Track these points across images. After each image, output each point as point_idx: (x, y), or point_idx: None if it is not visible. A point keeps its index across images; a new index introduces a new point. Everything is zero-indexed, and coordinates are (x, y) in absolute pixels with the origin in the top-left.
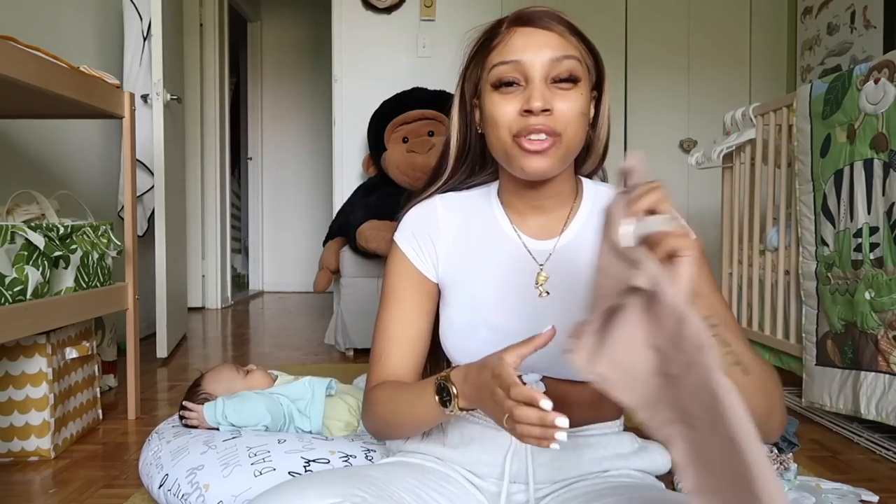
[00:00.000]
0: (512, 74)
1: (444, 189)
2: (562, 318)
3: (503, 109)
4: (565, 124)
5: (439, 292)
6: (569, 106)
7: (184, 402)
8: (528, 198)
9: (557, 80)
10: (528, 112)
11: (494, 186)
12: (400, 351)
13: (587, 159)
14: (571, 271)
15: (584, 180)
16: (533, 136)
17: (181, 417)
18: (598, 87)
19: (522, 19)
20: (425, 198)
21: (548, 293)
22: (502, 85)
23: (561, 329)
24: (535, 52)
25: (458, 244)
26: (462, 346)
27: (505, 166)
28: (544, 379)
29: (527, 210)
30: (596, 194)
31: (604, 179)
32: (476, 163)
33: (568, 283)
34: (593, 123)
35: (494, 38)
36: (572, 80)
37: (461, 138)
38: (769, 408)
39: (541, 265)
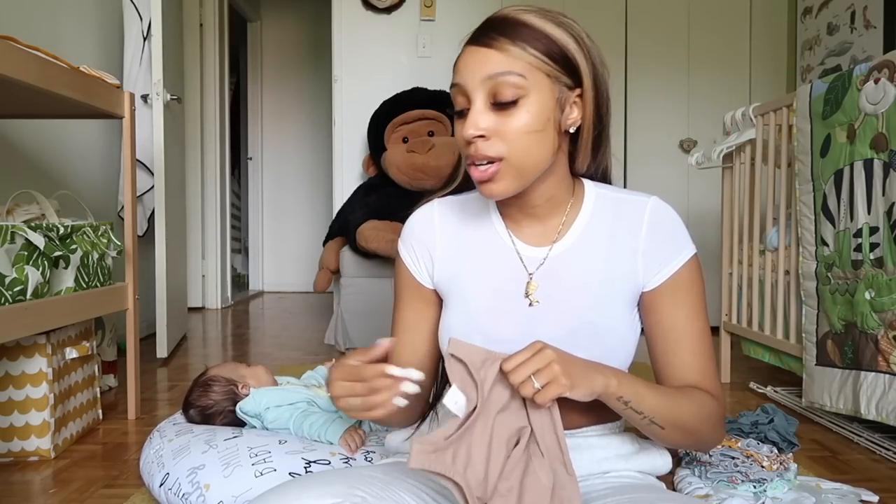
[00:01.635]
0: (458, 98)
1: (459, 190)
2: (552, 329)
3: (457, 135)
4: (507, 146)
5: (440, 298)
6: (510, 127)
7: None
8: (517, 205)
9: (496, 103)
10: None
11: None
12: (402, 353)
13: (576, 160)
14: (561, 281)
15: (587, 183)
16: (477, 164)
17: (186, 409)
18: (579, 85)
19: (473, 34)
20: (429, 200)
21: (538, 302)
22: (455, 112)
23: (558, 336)
24: (471, 73)
25: (454, 251)
26: (452, 337)
27: None
28: None
29: (521, 217)
30: (597, 198)
31: (605, 176)
32: None
33: (557, 293)
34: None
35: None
36: (513, 100)
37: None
38: (694, 439)
39: (531, 274)
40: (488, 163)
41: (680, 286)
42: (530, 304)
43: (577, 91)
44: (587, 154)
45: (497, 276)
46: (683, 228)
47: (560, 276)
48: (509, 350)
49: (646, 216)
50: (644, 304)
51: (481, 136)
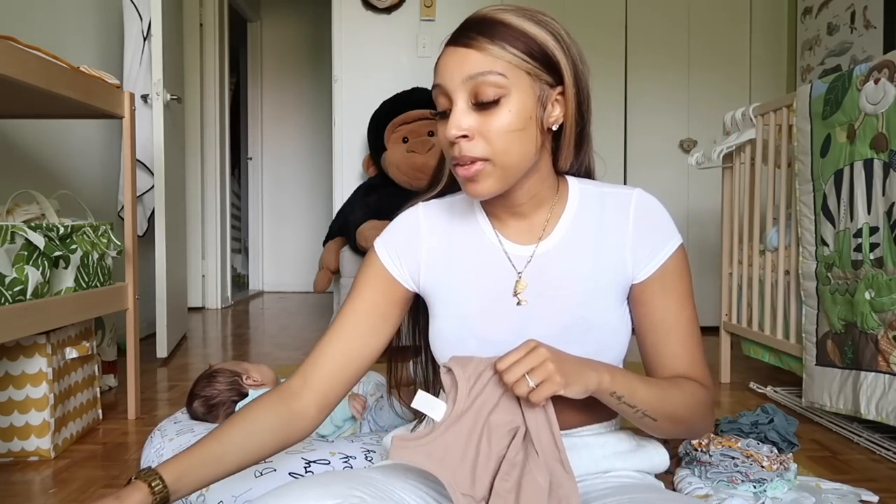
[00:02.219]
0: (440, 98)
1: (444, 192)
2: (544, 327)
3: (440, 136)
4: (490, 146)
5: (411, 302)
6: (492, 127)
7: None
8: (502, 204)
9: (478, 103)
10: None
11: None
12: (330, 342)
13: (559, 157)
14: (550, 278)
15: (570, 180)
16: (462, 164)
17: (190, 401)
18: (560, 83)
19: (453, 35)
20: (414, 203)
21: (526, 301)
22: (438, 113)
23: (551, 334)
24: (451, 74)
25: (441, 254)
26: (452, 355)
27: None
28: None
29: (505, 215)
30: (581, 195)
31: (589, 173)
32: None
33: (547, 291)
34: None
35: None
36: (494, 100)
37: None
38: (685, 427)
39: (519, 272)
40: (472, 162)
41: (669, 276)
42: (518, 304)
43: (559, 89)
44: (570, 151)
45: (486, 276)
46: (669, 218)
47: (548, 274)
48: (504, 352)
49: (631, 208)
50: (634, 297)
51: (464, 137)
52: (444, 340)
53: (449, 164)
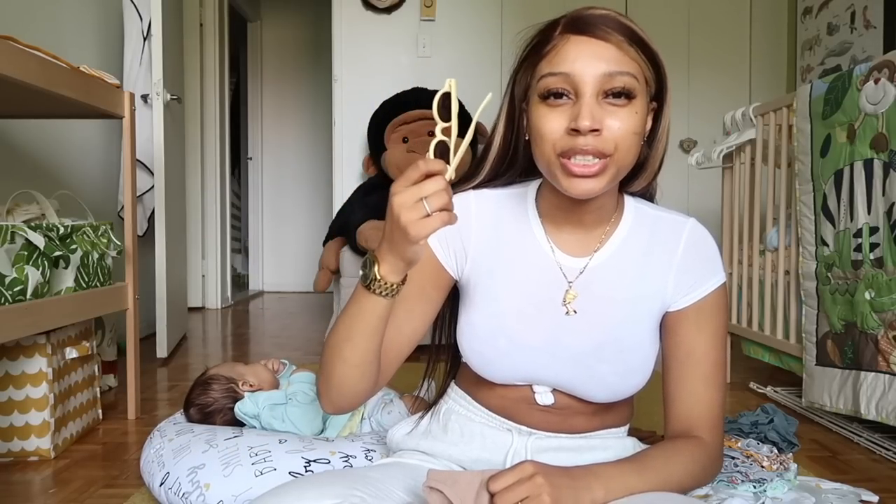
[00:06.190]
0: (561, 87)
1: (479, 188)
2: (579, 340)
3: (549, 124)
4: (615, 144)
5: (453, 288)
6: (620, 125)
7: None
8: (567, 210)
9: (610, 96)
10: (576, 131)
11: (532, 188)
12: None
13: (638, 176)
14: (601, 291)
15: (627, 198)
16: (579, 158)
17: (186, 408)
18: (659, 98)
19: (578, 25)
20: (462, 189)
21: (575, 312)
22: (550, 97)
23: (584, 349)
24: (587, 64)
25: (487, 247)
26: (479, 350)
27: (549, 180)
28: (554, 392)
29: (564, 223)
30: (636, 213)
31: (651, 198)
32: (523, 168)
33: (596, 304)
34: (650, 138)
35: (547, 43)
36: (626, 96)
37: (504, 144)
38: (690, 489)
39: (570, 282)
40: (593, 159)
41: (705, 311)
42: (567, 313)
43: (653, 104)
44: (653, 170)
45: (531, 280)
46: (718, 254)
47: (594, 289)
48: (532, 357)
49: (684, 236)
50: (666, 324)
51: (596, 131)
52: (474, 335)
53: (549, 154)
